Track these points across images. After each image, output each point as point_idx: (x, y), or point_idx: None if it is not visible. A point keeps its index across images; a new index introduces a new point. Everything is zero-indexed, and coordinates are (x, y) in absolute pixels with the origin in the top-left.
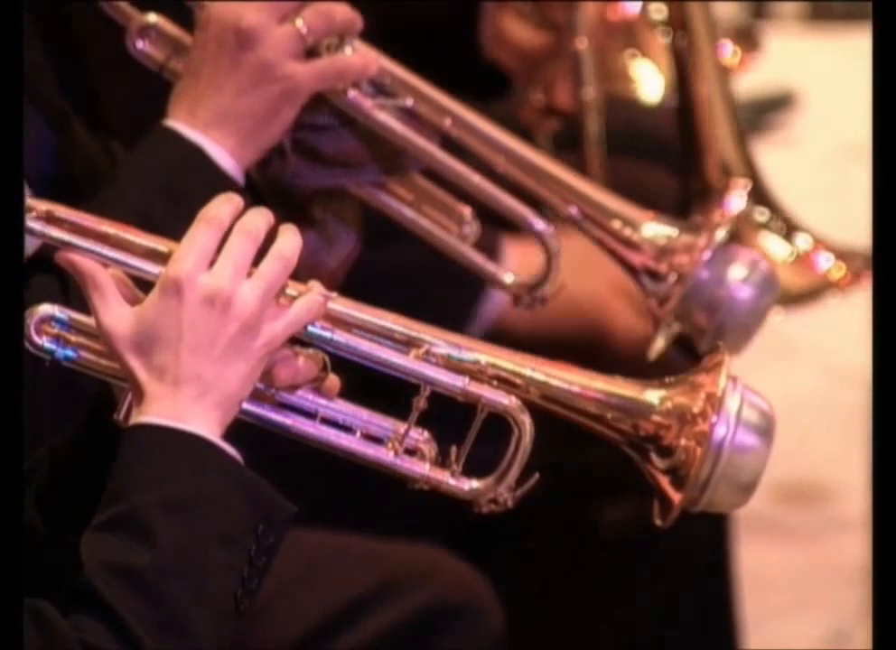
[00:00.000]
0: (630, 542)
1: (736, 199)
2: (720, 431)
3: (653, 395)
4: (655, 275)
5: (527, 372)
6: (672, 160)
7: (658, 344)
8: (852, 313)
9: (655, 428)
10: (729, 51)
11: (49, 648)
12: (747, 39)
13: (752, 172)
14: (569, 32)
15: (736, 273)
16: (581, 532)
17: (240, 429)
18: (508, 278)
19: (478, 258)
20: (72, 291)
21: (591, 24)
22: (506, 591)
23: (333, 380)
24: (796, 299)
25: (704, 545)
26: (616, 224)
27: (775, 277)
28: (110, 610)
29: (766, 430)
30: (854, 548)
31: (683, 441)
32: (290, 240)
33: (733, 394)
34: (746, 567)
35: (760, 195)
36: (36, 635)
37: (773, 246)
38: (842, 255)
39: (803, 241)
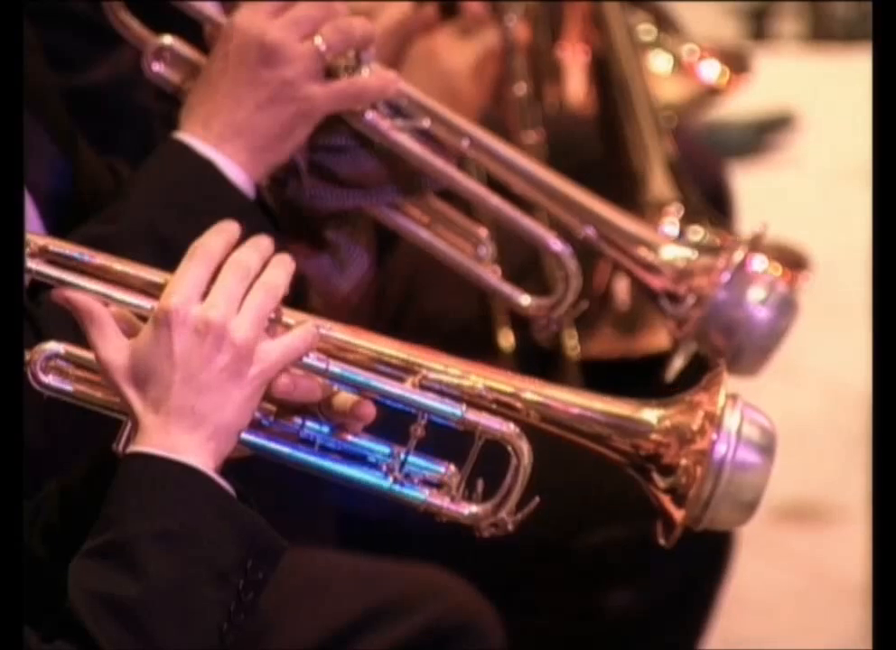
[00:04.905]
0: (634, 627)
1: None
2: (720, 450)
3: (651, 415)
4: (674, 298)
5: (527, 395)
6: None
7: (677, 364)
8: (852, 335)
9: (655, 447)
10: (718, 72)
11: None
12: (737, 61)
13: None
14: (508, 79)
15: (754, 294)
16: (587, 617)
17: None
18: (525, 300)
19: (494, 279)
20: None
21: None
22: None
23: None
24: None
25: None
26: (635, 247)
27: (793, 299)
28: (92, 640)
29: (767, 447)
30: (855, 569)
31: (683, 460)
32: (277, 270)
33: (733, 411)
34: (747, 589)
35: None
36: None
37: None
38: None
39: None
